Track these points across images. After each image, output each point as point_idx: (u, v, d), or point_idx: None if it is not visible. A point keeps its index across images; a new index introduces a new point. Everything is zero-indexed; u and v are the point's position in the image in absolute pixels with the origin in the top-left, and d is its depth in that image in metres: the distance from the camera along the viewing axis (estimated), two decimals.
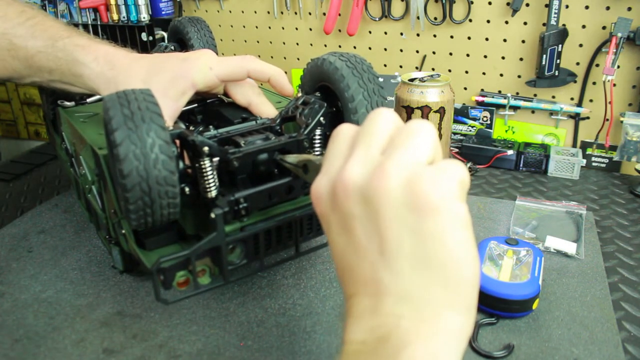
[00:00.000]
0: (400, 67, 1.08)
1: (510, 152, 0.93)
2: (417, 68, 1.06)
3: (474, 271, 0.30)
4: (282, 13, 1.13)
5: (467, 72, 1.02)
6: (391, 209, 0.30)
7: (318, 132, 0.53)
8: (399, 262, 0.30)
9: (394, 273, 0.30)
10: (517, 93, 0.99)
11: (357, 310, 0.31)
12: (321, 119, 0.53)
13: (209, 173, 0.46)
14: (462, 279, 0.30)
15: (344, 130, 0.35)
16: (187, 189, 0.47)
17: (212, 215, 0.44)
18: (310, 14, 1.11)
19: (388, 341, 0.29)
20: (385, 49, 1.07)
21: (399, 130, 0.32)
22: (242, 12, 1.17)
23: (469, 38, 0.99)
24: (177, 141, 0.47)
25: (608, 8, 0.87)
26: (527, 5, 0.92)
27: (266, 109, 0.59)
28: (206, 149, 0.45)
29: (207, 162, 0.46)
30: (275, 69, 0.59)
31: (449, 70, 1.03)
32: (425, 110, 0.77)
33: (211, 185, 0.46)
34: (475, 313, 0.31)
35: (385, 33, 1.06)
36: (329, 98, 0.55)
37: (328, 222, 0.33)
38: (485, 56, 0.99)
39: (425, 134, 0.31)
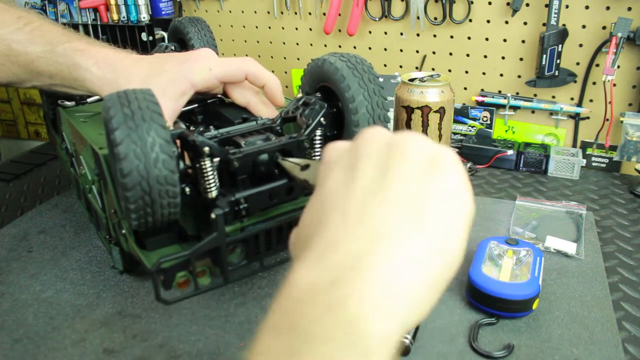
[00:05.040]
0: (400, 67, 1.07)
1: (510, 152, 0.93)
2: (417, 68, 1.06)
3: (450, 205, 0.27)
4: (282, 13, 1.13)
5: (467, 72, 1.02)
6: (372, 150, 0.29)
7: (318, 132, 0.53)
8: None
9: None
10: (517, 93, 0.99)
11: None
12: (322, 119, 0.53)
13: (210, 173, 0.46)
14: (428, 211, 0.27)
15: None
16: (187, 189, 0.47)
17: (213, 216, 0.44)
18: (310, 14, 1.11)
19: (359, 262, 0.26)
20: (385, 49, 1.07)
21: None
22: (242, 12, 1.17)
23: (469, 38, 0.99)
24: (178, 141, 0.47)
25: (608, 8, 0.87)
26: (527, 5, 0.92)
27: (264, 109, 0.59)
28: (207, 149, 0.45)
29: (207, 162, 0.46)
30: (272, 76, 0.59)
31: (449, 70, 1.03)
32: (425, 110, 0.77)
33: (212, 185, 0.46)
34: (457, 260, 0.27)
35: (385, 33, 1.06)
36: (329, 98, 0.55)
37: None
38: (485, 56, 0.99)
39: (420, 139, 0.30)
